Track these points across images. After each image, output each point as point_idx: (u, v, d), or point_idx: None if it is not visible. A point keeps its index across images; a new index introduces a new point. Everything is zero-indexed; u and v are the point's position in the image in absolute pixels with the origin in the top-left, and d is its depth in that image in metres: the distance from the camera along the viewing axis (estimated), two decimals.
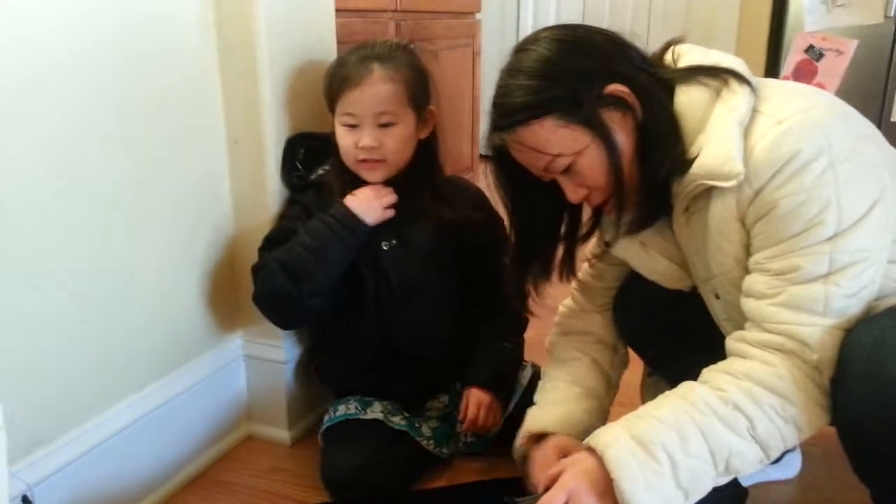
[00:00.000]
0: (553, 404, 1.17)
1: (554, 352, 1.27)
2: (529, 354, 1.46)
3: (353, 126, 1.27)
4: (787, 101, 0.92)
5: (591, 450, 0.92)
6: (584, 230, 1.15)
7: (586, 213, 1.14)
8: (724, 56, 1.00)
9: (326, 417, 1.37)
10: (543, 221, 1.11)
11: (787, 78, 2.66)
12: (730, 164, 0.89)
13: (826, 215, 0.86)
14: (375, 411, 1.35)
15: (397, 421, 1.34)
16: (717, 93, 0.95)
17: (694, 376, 0.96)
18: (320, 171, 1.35)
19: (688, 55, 1.01)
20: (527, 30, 3.67)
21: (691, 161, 0.95)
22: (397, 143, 1.28)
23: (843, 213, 0.86)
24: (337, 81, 1.27)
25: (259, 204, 1.37)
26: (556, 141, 0.95)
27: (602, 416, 1.18)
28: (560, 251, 1.14)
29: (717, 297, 1.05)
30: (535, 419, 1.16)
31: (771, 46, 2.92)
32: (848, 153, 0.87)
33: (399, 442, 1.32)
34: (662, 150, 0.96)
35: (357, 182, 1.31)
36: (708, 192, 0.95)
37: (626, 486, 0.86)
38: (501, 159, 1.04)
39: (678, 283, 1.13)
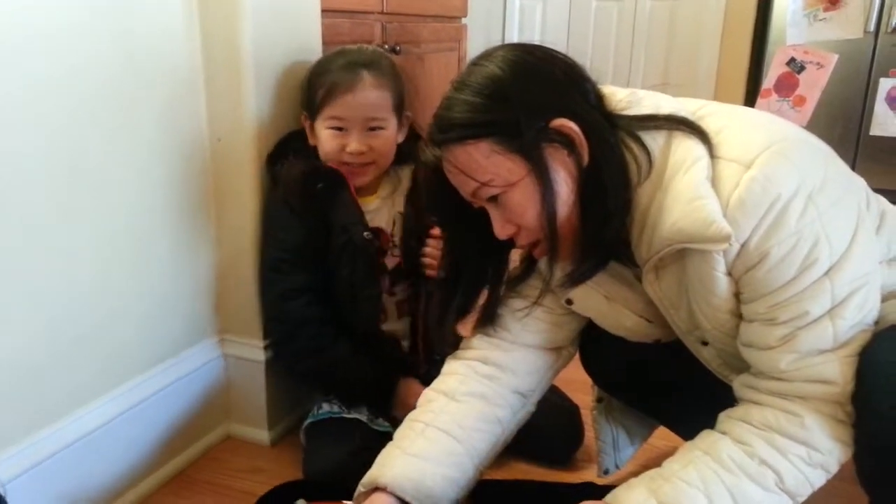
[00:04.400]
0: (417, 458, 0.99)
1: (451, 376, 1.07)
2: None
3: (339, 129, 1.28)
4: (745, 140, 0.86)
5: None
6: (514, 273, 1.07)
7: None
8: (663, 100, 0.93)
9: (310, 413, 1.36)
10: (469, 252, 1.02)
11: (768, 91, 2.70)
12: (715, 228, 0.82)
13: (818, 252, 0.82)
14: (360, 411, 1.34)
15: (381, 423, 1.34)
16: (668, 144, 0.89)
17: (685, 418, 0.94)
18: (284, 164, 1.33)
19: (625, 99, 0.94)
20: (512, 36, 3.69)
21: (644, 220, 0.89)
22: (385, 146, 1.31)
23: (833, 245, 0.83)
24: (325, 87, 1.27)
25: (242, 202, 1.36)
26: (488, 167, 0.88)
27: (458, 491, 1.01)
28: (483, 294, 1.05)
29: (705, 343, 0.99)
30: (384, 469, 0.99)
31: (753, 59, 2.96)
32: (822, 181, 0.84)
33: (383, 441, 1.30)
34: (608, 200, 0.89)
35: (332, 181, 1.29)
36: (680, 250, 0.88)
37: None
38: (433, 176, 0.95)
39: (645, 337, 1.06)
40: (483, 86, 0.88)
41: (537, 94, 0.88)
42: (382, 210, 1.37)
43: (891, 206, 0.99)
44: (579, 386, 1.38)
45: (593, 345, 1.13)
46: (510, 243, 0.98)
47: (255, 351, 1.42)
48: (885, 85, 2.63)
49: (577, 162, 0.89)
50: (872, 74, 2.65)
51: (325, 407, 1.35)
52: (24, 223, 1.04)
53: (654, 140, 0.90)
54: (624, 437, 1.29)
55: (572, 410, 1.42)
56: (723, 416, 0.92)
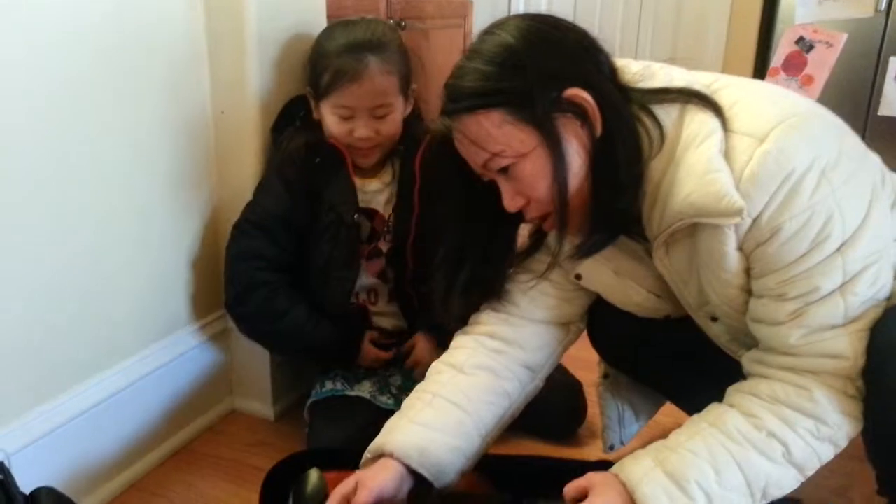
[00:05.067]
0: (424, 427, 0.97)
1: (460, 350, 1.06)
2: None
3: (347, 117, 1.26)
4: (759, 114, 0.85)
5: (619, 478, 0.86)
6: (522, 248, 1.05)
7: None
8: (676, 74, 0.93)
9: (313, 392, 1.36)
10: (478, 226, 1.00)
11: (776, 70, 2.68)
12: (727, 201, 0.81)
13: (831, 227, 0.81)
14: (363, 389, 1.34)
15: (384, 400, 1.34)
16: (682, 117, 0.88)
17: (693, 393, 0.93)
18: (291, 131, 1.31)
19: (639, 72, 0.93)
20: (519, 12, 3.64)
21: (657, 192, 0.88)
22: (391, 129, 1.30)
23: (847, 221, 0.82)
24: (330, 74, 1.24)
25: (243, 176, 1.35)
26: (499, 137, 0.87)
27: (465, 462, 0.99)
28: (489, 269, 1.03)
29: (715, 319, 0.99)
30: (391, 437, 0.97)
31: (762, 38, 2.93)
32: (836, 157, 0.83)
33: (387, 419, 1.31)
34: (620, 172, 0.88)
35: (332, 158, 1.28)
36: (691, 224, 0.88)
37: None
38: (443, 147, 0.94)
39: (655, 313, 1.05)
40: (495, 54, 0.86)
41: (551, 63, 0.87)
42: (384, 192, 1.36)
43: None
44: (583, 363, 1.39)
45: (601, 320, 1.12)
46: (519, 217, 0.97)
47: None
48: (894, 64, 2.60)
49: (589, 133, 0.88)
50: (882, 54, 2.62)
51: (328, 385, 1.35)
52: (23, 196, 1.04)
53: (667, 113, 0.89)
54: (630, 414, 1.29)
55: (576, 387, 1.42)
56: (731, 390, 0.92)
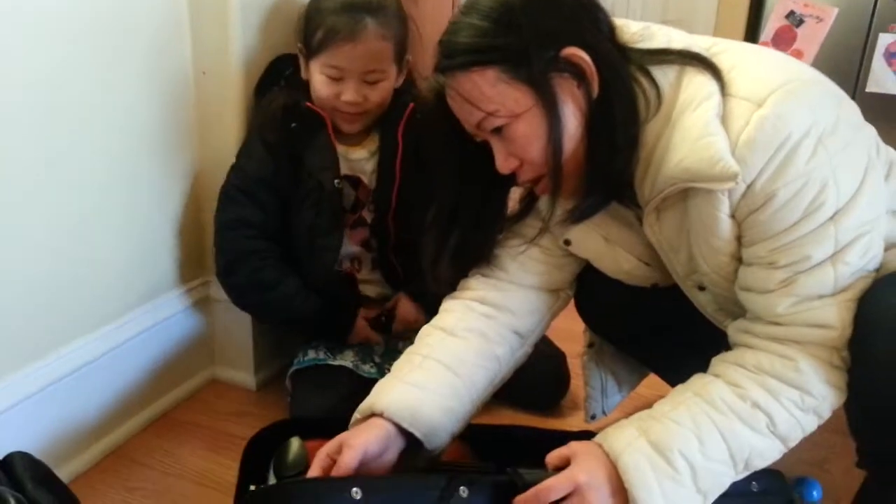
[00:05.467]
0: (414, 387, 0.95)
1: (450, 314, 1.04)
2: None
3: (336, 78, 1.22)
4: (758, 79, 0.84)
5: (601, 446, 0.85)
6: (513, 212, 1.04)
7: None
8: (675, 35, 0.91)
9: (295, 361, 1.35)
10: (469, 188, 0.99)
11: (765, 44, 2.66)
12: (721, 165, 0.80)
13: (825, 196, 0.81)
14: (346, 359, 1.33)
15: (367, 369, 1.33)
16: (679, 79, 0.86)
17: (678, 364, 0.93)
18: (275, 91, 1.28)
19: (638, 32, 0.91)
20: None
21: (651, 156, 0.87)
22: (381, 97, 1.26)
23: (841, 189, 0.81)
24: (324, 31, 1.20)
25: (226, 139, 1.32)
26: (493, 96, 0.85)
27: (457, 424, 0.98)
28: (479, 233, 1.02)
29: (702, 288, 0.98)
30: (381, 397, 0.95)
31: (752, 11, 2.90)
32: (833, 124, 0.81)
33: (369, 388, 1.30)
34: (616, 135, 0.87)
35: (310, 122, 1.25)
36: (683, 190, 0.87)
37: (642, 495, 0.81)
38: (436, 106, 0.92)
39: (643, 281, 1.04)
40: (492, 9, 0.84)
41: (548, 20, 0.84)
42: (370, 162, 1.33)
43: None
44: (566, 335, 1.38)
45: (588, 287, 1.11)
46: (510, 180, 0.95)
47: None
48: (884, 40, 2.59)
49: (586, 94, 0.86)
50: (872, 29, 2.61)
51: (311, 354, 1.34)
52: (4, 162, 1.01)
53: (664, 75, 0.87)
54: (612, 384, 1.29)
55: (559, 357, 1.42)
56: (716, 360, 0.92)
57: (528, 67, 0.84)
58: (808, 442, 1.35)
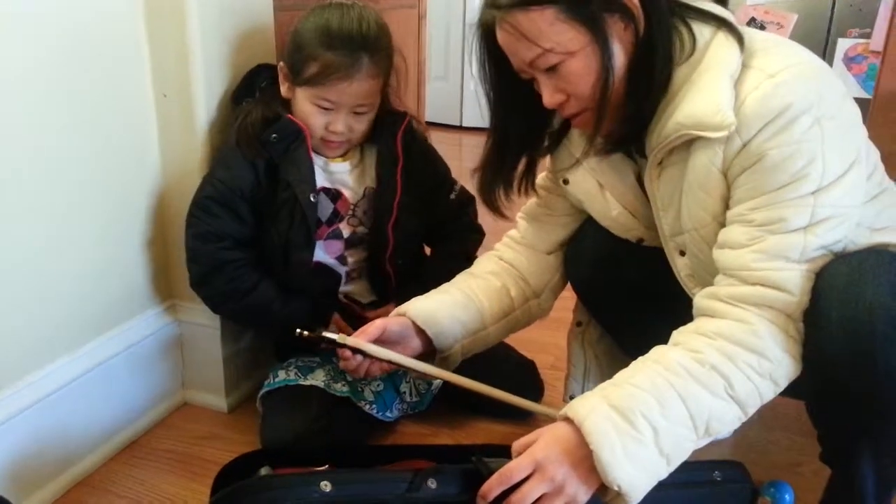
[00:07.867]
0: (434, 301, 1.17)
1: (477, 264, 1.26)
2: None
3: (326, 109, 1.23)
4: (777, 55, 0.91)
5: (567, 420, 0.88)
6: (546, 143, 1.11)
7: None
8: (714, 4, 0.98)
9: (266, 382, 1.34)
10: (514, 119, 1.06)
11: None
12: (721, 115, 0.87)
13: (811, 169, 0.86)
14: (317, 378, 1.32)
15: (339, 388, 1.32)
16: (711, 40, 0.93)
17: (649, 337, 0.95)
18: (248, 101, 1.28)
19: None
20: None
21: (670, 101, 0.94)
22: (365, 127, 1.29)
23: (827, 169, 0.87)
24: (319, 66, 1.19)
25: (190, 161, 1.31)
26: (551, 34, 0.90)
27: (463, 333, 1.16)
28: (522, 163, 1.11)
29: (683, 253, 1.04)
30: (408, 305, 1.16)
31: None
32: (835, 111, 0.88)
33: (341, 407, 1.30)
34: (656, 74, 0.93)
35: (291, 136, 1.25)
36: (687, 145, 0.94)
37: (605, 456, 0.83)
38: (486, 39, 0.99)
39: (628, 232, 1.12)
40: None
41: None
42: (352, 174, 1.34)
43: (881, 164, 1.02)
44: (538, 347, 1.41)
45: (578, 237, 1.23)
46: (551, 113, 1.04)
47: (209, 316, 1.38)
48: (842, 45, 2.65)
49: (632, 35, 0.93)
50: (831, 34, 2.67)
51: (282, 375, 1.32)
52: None
53: (700, 32, 0.94)
54: (595, 370, 1.32)
55: (530, 365, 1.45)
56: (675, 332, 0.95)
57: (587, 7, 0.90)
58: (780, 446, 1.37)
